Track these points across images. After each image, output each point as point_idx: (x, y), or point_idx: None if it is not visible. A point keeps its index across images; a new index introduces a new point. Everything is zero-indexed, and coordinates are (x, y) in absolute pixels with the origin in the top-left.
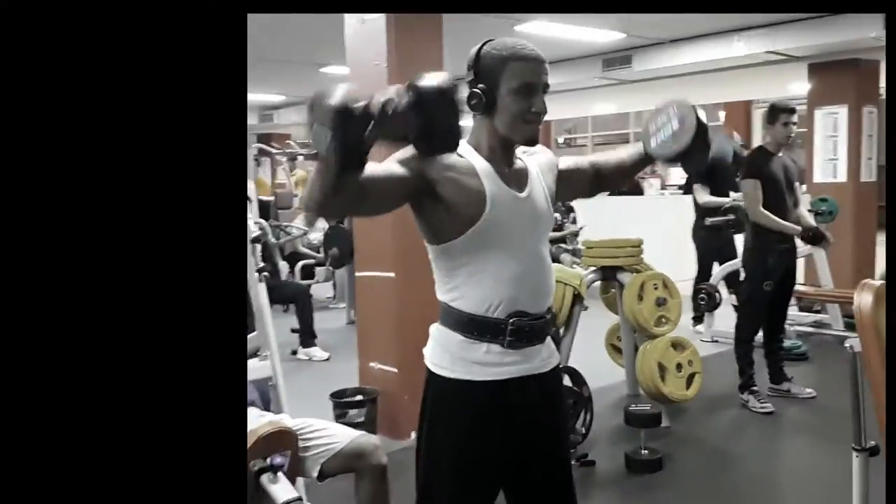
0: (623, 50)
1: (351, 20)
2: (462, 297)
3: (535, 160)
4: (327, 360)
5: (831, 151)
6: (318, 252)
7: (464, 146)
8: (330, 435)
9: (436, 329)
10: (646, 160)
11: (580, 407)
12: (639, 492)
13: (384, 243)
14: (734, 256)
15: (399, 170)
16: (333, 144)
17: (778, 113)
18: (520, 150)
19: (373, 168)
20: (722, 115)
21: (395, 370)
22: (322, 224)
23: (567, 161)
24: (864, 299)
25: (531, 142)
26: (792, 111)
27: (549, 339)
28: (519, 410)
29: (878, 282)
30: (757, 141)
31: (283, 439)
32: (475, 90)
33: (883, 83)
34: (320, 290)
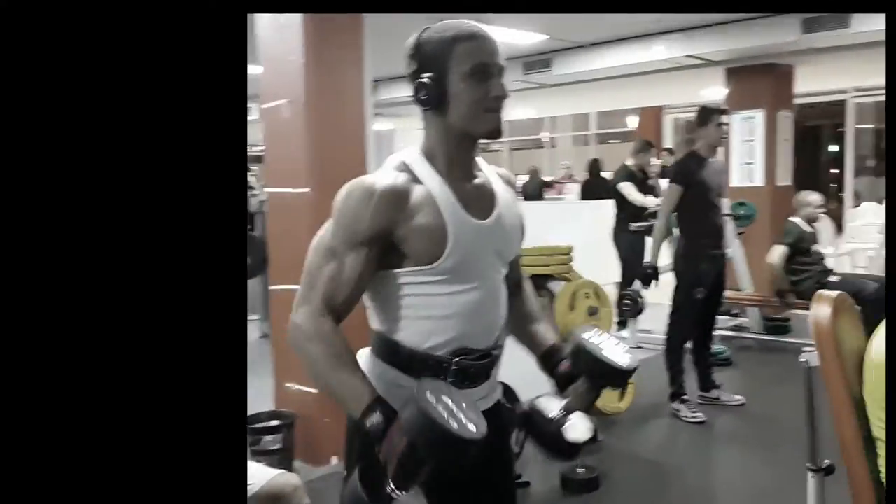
0: (543, 53)
1: (264, 16)
2: (403, 329)
3: (501, 181)
4: None
5: (748, 156)
6: None
7: (416, 158)
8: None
9: (365, 358)
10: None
11: (514, 425)
12: None
13: (301, 253)
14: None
15: (360, 260)
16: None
17: (710, 114)
18: (483, 165)
19: (342, 286)
20: (634, 119)
21: (314, 391)
22: None
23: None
24: (821, 311)
25: (495, 133)
26: (724, 111)
27: (494, 375)
28: None
29: (834, 293)
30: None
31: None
32: (422, 81)
33: (797, 89)
34: None
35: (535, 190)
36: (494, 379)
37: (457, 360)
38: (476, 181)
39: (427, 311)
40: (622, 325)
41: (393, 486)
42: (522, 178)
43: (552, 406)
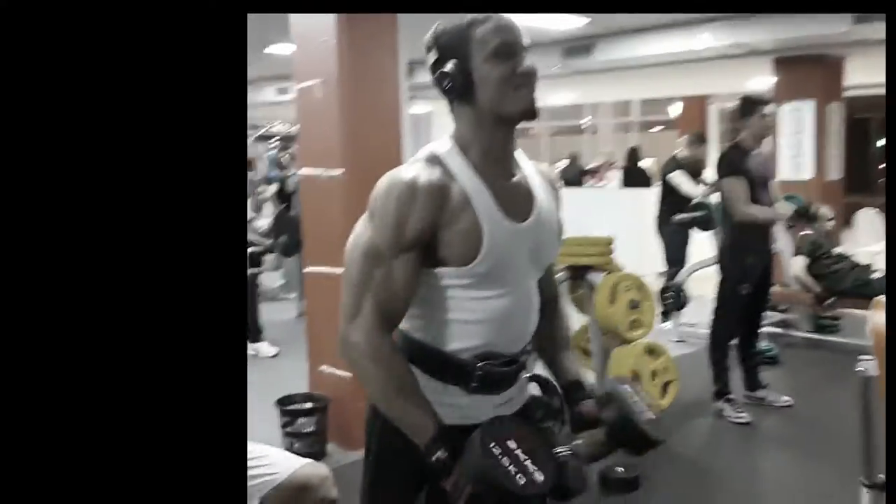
0: (584, 38)
1: None
2: (427, 328)
3: (542, 181)
4: (275, 356)
5: (796, 148)
6: (268, 239)
7: (449, 150)
8: (270, 464)
9: None
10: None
11: (551, 418)
12: None
13: (335, 236)
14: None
15: (409, 265)
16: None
17: (753, 105)
18: (524, 161)
19: (394, 295)
20: (678, 108)
21: (349, 375)
22: (270, 209)
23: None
24: (879, 318)
25: (531, 113)
26: (767, 102)
27: (522, 379)
28: None
29: None
30: (712, 137)
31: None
32: (444, 70)
33: (847, 81)
34: (269, 279)
35: (575, 176)
36: (522, 383)
37: (481, 364)
38: (514, 179)
39: (454, 314)
40: (665, 316)
41: None
42: (562, 164)
43: (561, 440)
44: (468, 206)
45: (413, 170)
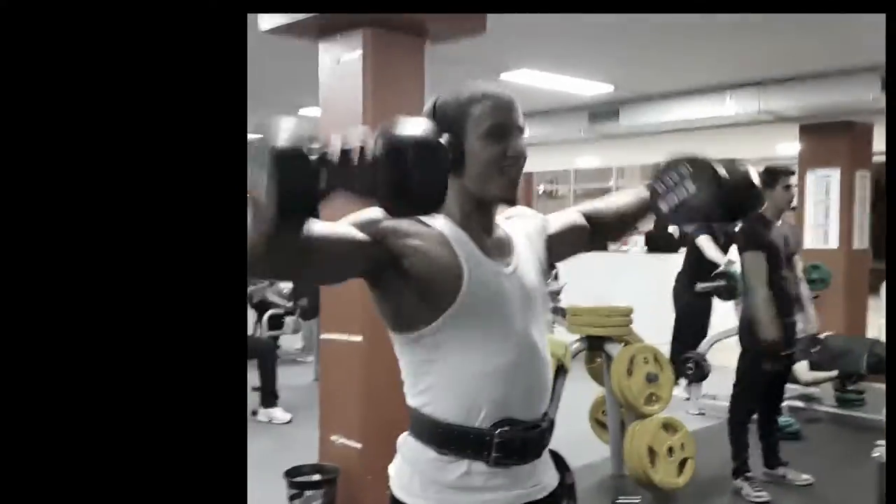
0: (611, 103)
1: (325, 59)
2: (435, 400)
3: (521, 227)
4: (289, 422)
5: (822, 216)
6: (288, 301)
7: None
8: None
9: (403, 441)
10: (652, 210)
11: (562, 497)
12: None
13: (352, 302)
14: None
15: (356, 233)
16: (273, 192)
17: (778, 176)
18: (500, 219)
19: (323, 226)
20: None
21: (359, 446)
22: None
23: (557, 221)
24: None
25: (510, 199)
26: (792, 173)
27: (546, 454)
28: None
29: None
30: None
31: None
32: None
33: (876, 147)
34: (288, 341)
35: None
36: (547, 459)
37: (500, 430)
38: (495, 235)
39: (458, 375)
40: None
41: None
42: None
43: None
44: (446, 244)
45: None
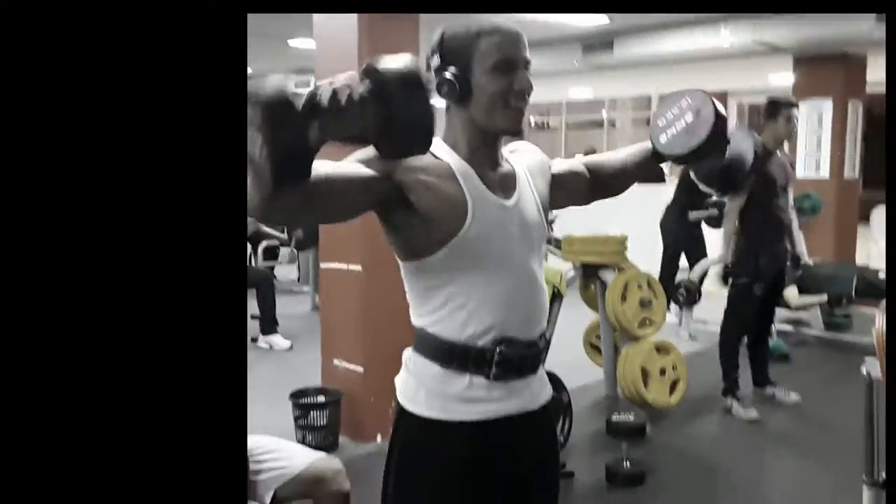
0: (605, 34)
1: None
2: (441, 321)
3: (524, 161)
4: (290, 349)
5: (814, 146)
6: (282, 232)
7: (438, 144)
8: (285, 457)
9: (409, 357)
10: (653, 160)
11: (559, 414)
12: None
13: (351, 233)
14: (704, 252)
15: (362, 171)
16: (266, 147)
17: (780, 107)
18: (506, 151)
19: (327, 167)
20: None
21: (361, 370)
22: None
23: (561, 165)
24: (884, 321)
25: (516, 131)
26: (795, 105)
27: (542, 370)
28: (505, 456)
29: None
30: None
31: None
32: (445, 76)
33: (870, 77)
34: (284, 272)
35: None
36: (543, 376)
37: (500, 348)
38: (500, 170)
39: (462, 300)
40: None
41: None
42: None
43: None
44: (453, 178)
45: None
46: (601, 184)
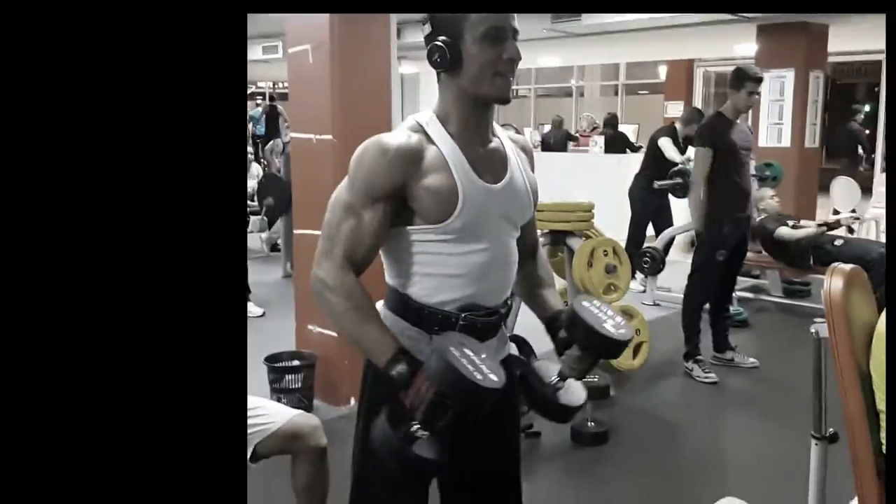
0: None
1: None
2: (413, 285)
3: (517, 149)
4: (262, 316)
5: (776, 116)
6: (252, 201)
7: (430, 119)
8: (264, 414)
9: (380, 310)
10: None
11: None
12: (585, 466)
13: (324, 200)
14: (670, 221)
15: (379, 211)
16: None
17: (745, 80)
18: (499, 130)
19: (362, 240)
20: (663, 70)
21: (335, 334)
22: (256, 171)
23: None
24: (833, 283)
25: (504, 100)
26: (759, 80)
27: (503, 330)
28: None
29: (847, 266)
30: (697, 100)
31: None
32: (436, 44)
33: (831, 48)
34: (255, 240)
35: (560, 140)
36: (503, 335)
37: (465, 315)
38: (490, 146)
39: (437, 269)
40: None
41: (420, 427)
42: (547, 127)
43: (550, 370)
44: (445, 167)
45: (392, 135)
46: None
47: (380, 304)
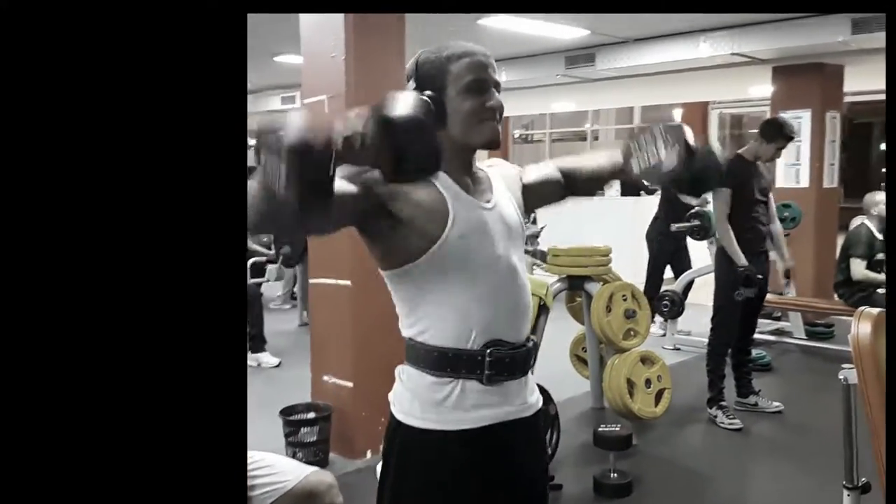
0: (586, 48)
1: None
2: (429, 328)
3: (498, 172)
4: (278, 366)
5: (794, 157)
6: (269, 249)
7: None
8: (278, 472)
9: (401, 370)
10: (625, 172)
11: (547, 426)
12: None
13: (340, 248)
14: (689, 264)
15: (347, 188)
16: (290, 183)
17: (779, 136)
18: (483, 164)
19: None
20: (678, 113)
21: (351, 385)
22: None
23: (532, 174)
24: (861, 328)
25: (493, 145)
26: (792, 139)
27: (531, 376)
28: (502, 463)
29: (875, 310)
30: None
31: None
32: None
33: (848, 87)
34: (271, 289)
35: None
36: (533, 383)
37: (490, 350)
38: (476, 174)
39: (448, 301)
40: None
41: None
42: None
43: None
44: (431, 185)
45: None
46: (572, 187)
47: (400, 367)
